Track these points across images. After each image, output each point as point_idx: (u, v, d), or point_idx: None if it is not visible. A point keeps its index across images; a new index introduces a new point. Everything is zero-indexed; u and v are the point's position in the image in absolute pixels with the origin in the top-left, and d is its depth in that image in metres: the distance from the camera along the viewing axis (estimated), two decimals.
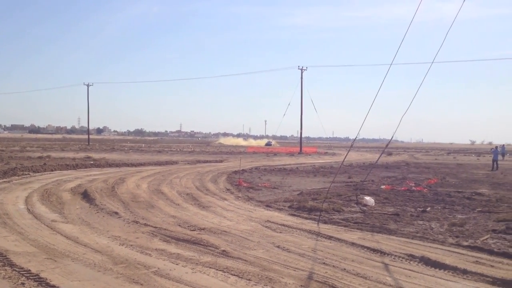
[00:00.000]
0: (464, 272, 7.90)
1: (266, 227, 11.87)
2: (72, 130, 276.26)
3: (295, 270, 7.93)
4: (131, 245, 9.55)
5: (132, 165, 34.07)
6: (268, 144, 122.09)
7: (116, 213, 13.45)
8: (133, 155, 50.69)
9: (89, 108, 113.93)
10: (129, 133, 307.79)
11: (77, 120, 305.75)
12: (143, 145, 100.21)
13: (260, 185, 21.85)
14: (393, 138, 14.35)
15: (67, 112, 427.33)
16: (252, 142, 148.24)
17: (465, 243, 9.88)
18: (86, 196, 16.49)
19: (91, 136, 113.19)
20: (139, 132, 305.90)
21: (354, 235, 10.86)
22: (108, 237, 10.33)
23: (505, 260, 8.64)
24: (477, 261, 8.58)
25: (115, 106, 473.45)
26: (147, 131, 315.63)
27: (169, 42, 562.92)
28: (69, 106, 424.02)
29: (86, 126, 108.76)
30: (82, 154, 48.06)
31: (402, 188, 20.68)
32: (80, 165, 31.47)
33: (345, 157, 18.73)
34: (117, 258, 8.50)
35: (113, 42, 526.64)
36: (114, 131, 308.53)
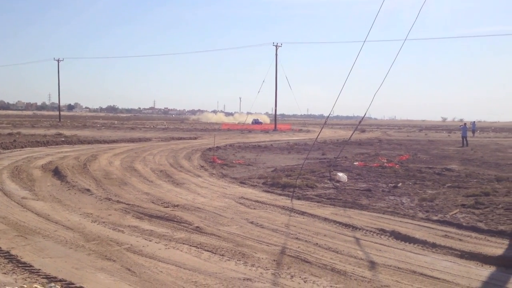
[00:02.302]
0: (434, 245, 8.08)
1: (240, 203, 11.91)
2: (43, 107, 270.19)
3: (268, 245, 8.00)
4: (104, 222, 9.48)
5: (105, 142, 33.67)
6: (256, 122, 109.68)
7: (88, 190, 13.30)
8: (106, 132, 50.08)
9: (60, 84, 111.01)
10: (101, 109, 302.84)
11: (47, 97, 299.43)
12: (116, 122, 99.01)
13: (234, 162, 21.84)
14: (366, 116, 14.45)
15: (37, 88, 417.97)
16: (238, 119, 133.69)
17: (435, 218, 10.09)
18: (57, 173, 16.24)
19: (62, 113, 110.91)
20: (111, 109, 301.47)
21: (326, 211, 10.98)
22: (80, 214, 10.23)
23: (473, 234, 8.86)
24: (446, 235, 8.78)
25: (87, 83, 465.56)
26: (120, 108, 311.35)
27: (143, 18, 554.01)
28: (39, 82, 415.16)
29: (57, 102, 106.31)
30: (53, 131, 47.31)
31: (375, 165, 20.93)
32: (51, 142, 30.98)
33: (319, 134, 18.83)
34: (89, 235, 8.44)
35: (85, 18, 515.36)
36: (86, 107, 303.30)
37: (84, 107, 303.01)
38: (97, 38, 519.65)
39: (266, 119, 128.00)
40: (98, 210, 10.68)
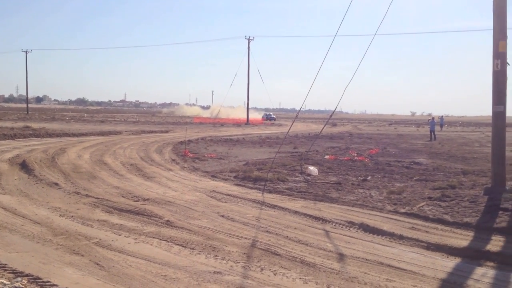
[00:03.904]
0: (401, 237, 8.24)
1: (211, 197, 11.91)
2: (10, 99, 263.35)
3: (238, 239, 8.03)
4: (72, 216, 9.35)
5: (74, 135, 33.14)
6: (269, 118, 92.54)
7: (57, 184, 13.10)
8: (75, 125, 49.30)
9: (28, 76, 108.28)
10: (70, 102, 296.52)
11: (15, 89, 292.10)
12: (85, 114, 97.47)
13: (206, 155, 21.79)
14: (338, 110, 14.60)
15: (4, 80, 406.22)
16: (216, 111, 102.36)
17: (402, 210, 10.27)
18: (24, 166, 15.91)
19: (30, 105, 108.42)
20: (81, 102, 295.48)
21: (297, 204, 11.07)
22: (48, 208, 10.07)
23: (440, 226, 9.05)
24: (413, 227, 8.96)
25: (56, 75, 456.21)
26: (90, 100, 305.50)
27: (114, 10, 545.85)
28: (6, 74, 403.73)
29: (25, 94, 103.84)
30: (20, 124, 46.19)
31: (345, 158, 21.17)
32: (18, 135, 30.32)
33: (290, 127, 18.92)
34: (57, 229, 8.32)
35: (55, 10, 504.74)
36: (55, 100, 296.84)
37: (53, 99, 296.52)
38: (66, 30, 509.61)
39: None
40: (67, 204, 10.53)
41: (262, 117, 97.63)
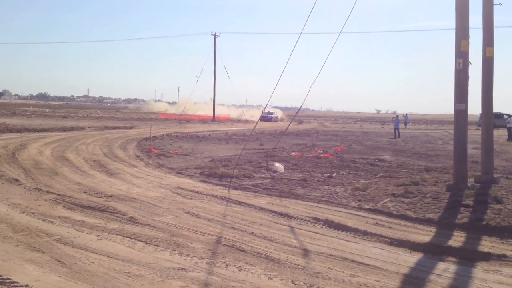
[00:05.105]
0: (365, 233, 8.34)
1: (176, 193, 11.80)
2: None
3: (204, 235, 7.97)
4: (33, 213, 9.11)
5: (35, 130, 32.25)
6: (266, 118, 71.83)
7: (17, 180, 12.74)
8: (36, 120, 48.01)
9: None
10: (31, 97, 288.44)
11: None
12: (47, 110, 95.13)
13: (171, 152, 21.59)
14: (304, 107, 14.68)
15: None
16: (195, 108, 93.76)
17: (367, 206, 10.40)
18: None
19: None
20: (42, 97, 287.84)
21: (263, 200, 11.08)
22: (8, 205, 9.78)
23: (403, 222, 9.21)
24: (377, 223, 9.08)
25: (17, 69, 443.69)
26: (52, 95, 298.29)
27: (77, 4, 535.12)
28: None
29: None
30: None
31: (311, 155, 21.31)
32: None
33: (256, 124, 18.94)
34: (17, 226, 8.09)
35: (17, 2, 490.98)
36: (15, 95, 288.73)
37: (13, 94, 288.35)
38: (28, 25, 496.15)
39: (279, 113, 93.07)
40: (27, 201, 10.25)
41: (261, 117, 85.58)
